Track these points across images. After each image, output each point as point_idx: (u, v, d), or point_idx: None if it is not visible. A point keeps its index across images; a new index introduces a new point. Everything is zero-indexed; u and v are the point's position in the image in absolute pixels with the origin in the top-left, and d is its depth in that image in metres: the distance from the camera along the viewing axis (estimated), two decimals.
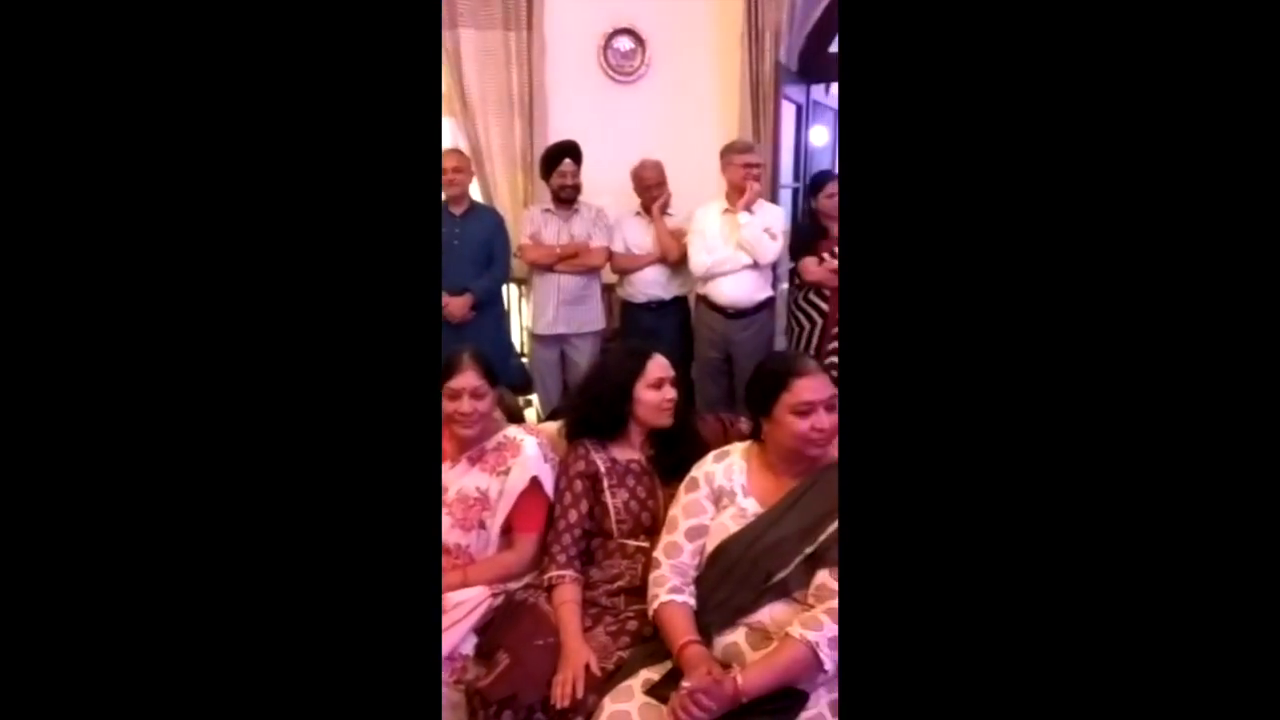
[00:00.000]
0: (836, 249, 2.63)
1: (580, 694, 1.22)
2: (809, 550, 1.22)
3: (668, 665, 1.23)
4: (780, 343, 2.91)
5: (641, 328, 2.78)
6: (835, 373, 2.62)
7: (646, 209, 2.80)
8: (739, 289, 2.64)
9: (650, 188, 2.77)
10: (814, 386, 1.26)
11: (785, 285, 2.90)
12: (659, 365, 1.50)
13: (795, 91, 3.17)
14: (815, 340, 2.70)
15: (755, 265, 2.62)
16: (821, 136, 3.86)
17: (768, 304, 2.74)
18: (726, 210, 2.65)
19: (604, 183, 2.90)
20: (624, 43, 3.16)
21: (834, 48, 3.18)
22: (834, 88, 3.63)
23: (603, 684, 1.24)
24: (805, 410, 1.25)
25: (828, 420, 1.26)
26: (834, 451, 1.34)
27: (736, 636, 1.24)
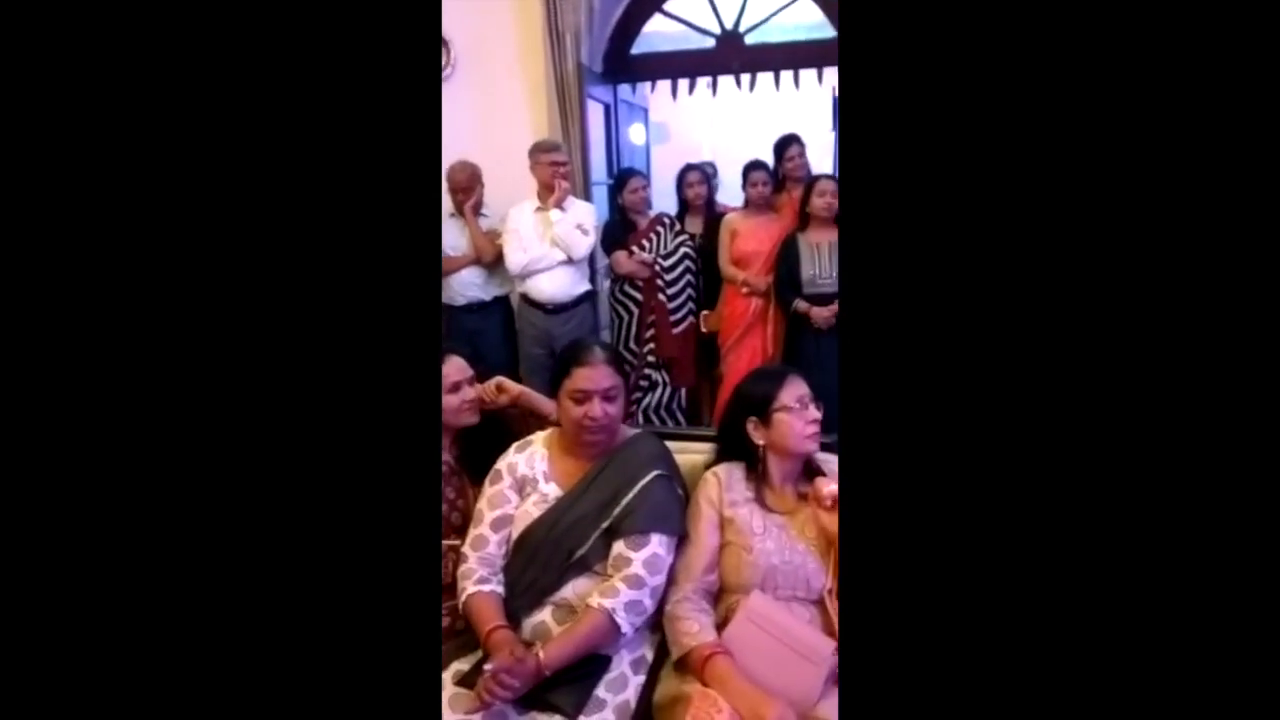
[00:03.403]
0: (645, 242, 2.78)
1: None
2: (605, 525, 1.30)
3: (478, 655, 1.27)
4: (605, 335, 3.01)
5: (464, 329, 2.77)
6: (652, 358, 2.79)
7: (459, 210, 2.79)
8: (556, 284, 2.71)
9: (461, 189, 2.76)
10: (591, 377, 1.33)
11: (609, 280, 3.01)
12: (454, 368, 1.51)
13: (601, 92, 3.27)
14: (634, 329, 2.82)
15: (570, 260, 2.70)
16: (640, 135, 4.02)
17: (587, 297, 2.83)
18: (539, 208, 2.71)
19: None
20: None
21: (635, 50, 3.32)
22: (641, 88, 3.79)
23: None
24: (580, 398, 1.33)
25: (599, 409, 1.32)
26: (628, 432, 1.44)
27: (544, 615, 1.30)
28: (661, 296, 2.79)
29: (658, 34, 3.39)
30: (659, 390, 2.87)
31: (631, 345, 2.84)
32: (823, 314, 2.57)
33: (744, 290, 2.75)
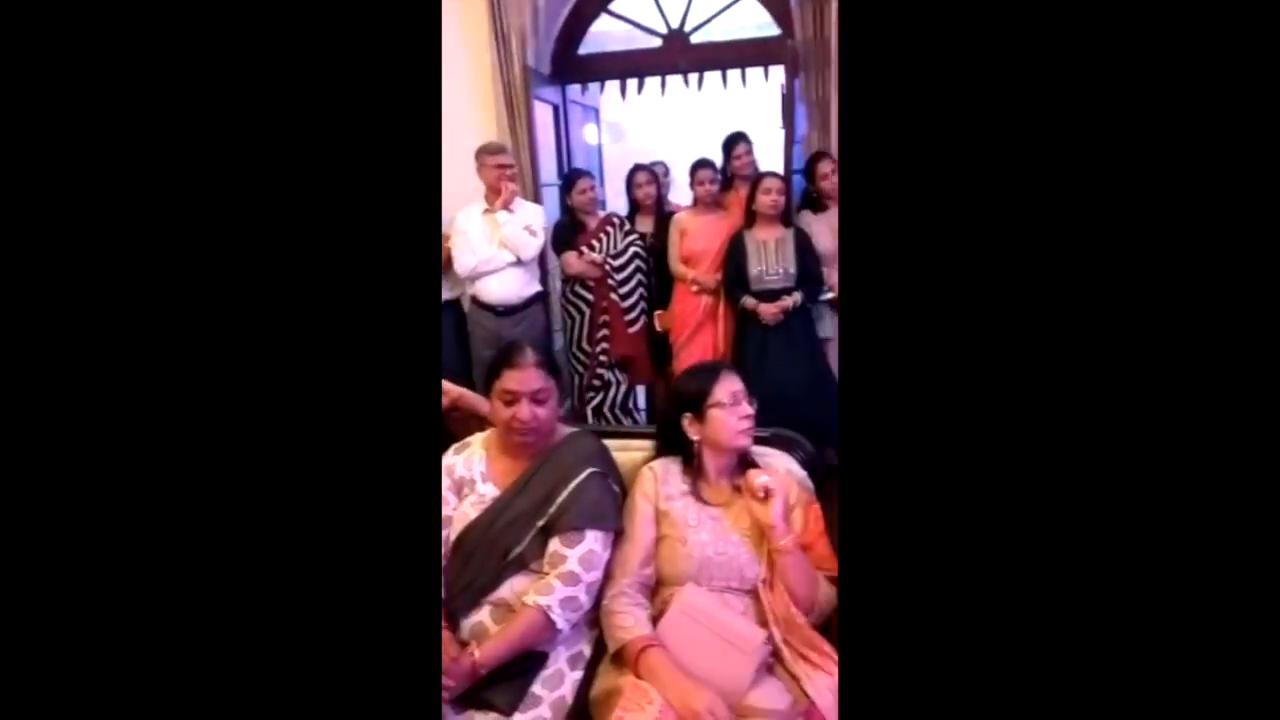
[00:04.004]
0: (594, 242, 2.79)
1: None
2: (541, 523, 1.31)
3: None
4: (557, 337, 3.01)
5: None
6: (604, 358, 2.80)
7: None
8: (506, 286, 2.71)
9: None
10: (520, 379, 1.33)
11: (560, 281, 3.01)
12: None
13: (550, 93, 3.28)
14: (585, 330, 2.83)
15: (519, 262, 2.70)
16: (592, 135, 4.02)
17: (537, 299, 2.83)
18: (486, 211, 2.71)
19: None
20: None
21: (582, 50, 3.33)
22: (593, 88, 3.80)
23: None
24: (509, 399, 1.33)
25: (527, 411, 1.33)
26: (564, 431, 1.45)
27: (482, 615, 1.30)
28: (614, 296, 2.80)
29: (605, 34, 3.41)
30: (613, 389, 2.89)
31: (584, 345, 2.85)
32: (770, 310, 2.60)
33: (693, 288, 2.78)
